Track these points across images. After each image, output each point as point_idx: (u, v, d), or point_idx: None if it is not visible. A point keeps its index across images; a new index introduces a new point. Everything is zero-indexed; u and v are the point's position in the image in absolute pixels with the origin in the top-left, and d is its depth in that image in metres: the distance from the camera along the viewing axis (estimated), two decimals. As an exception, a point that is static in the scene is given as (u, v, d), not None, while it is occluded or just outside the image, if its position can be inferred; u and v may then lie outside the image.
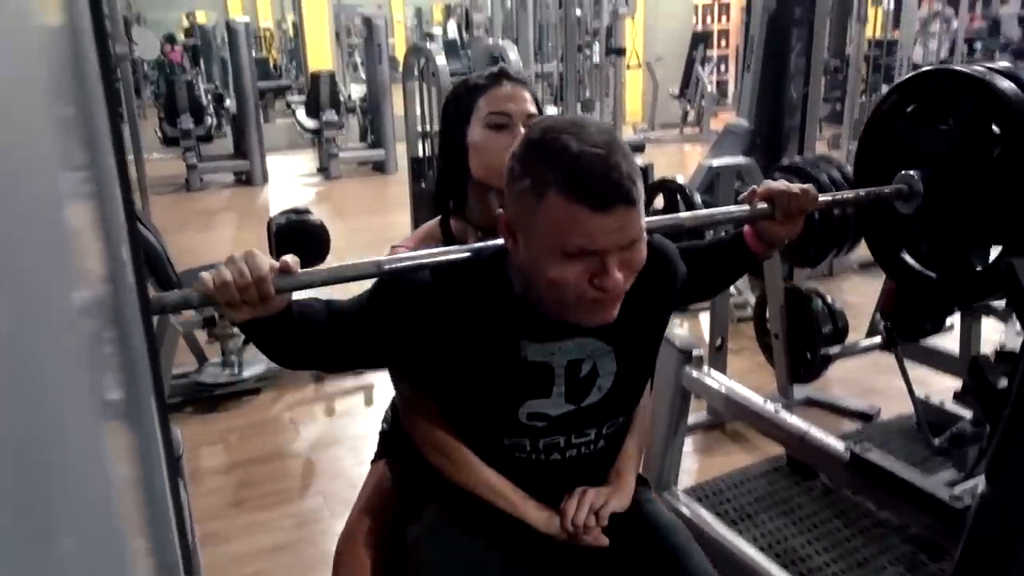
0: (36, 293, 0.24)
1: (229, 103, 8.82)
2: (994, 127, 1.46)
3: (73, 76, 0.45)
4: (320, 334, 1.10)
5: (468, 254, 1.10)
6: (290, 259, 1.00)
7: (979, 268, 1.53)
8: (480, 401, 1.14)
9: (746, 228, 1.30)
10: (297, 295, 1.07)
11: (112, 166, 0.52)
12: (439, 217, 1.37)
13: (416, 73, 4.00)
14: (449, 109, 1.36)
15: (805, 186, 1.26)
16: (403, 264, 1.07)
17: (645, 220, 1.02)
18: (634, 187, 0.97)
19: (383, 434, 1.59)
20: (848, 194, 1.54)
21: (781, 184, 1.25)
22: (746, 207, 1.26)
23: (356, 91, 9.79)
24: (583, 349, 1.13)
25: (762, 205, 1.25)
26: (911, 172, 1.54)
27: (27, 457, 0.23)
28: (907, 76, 1.69)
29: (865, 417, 3.04)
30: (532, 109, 1.31)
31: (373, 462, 1.57)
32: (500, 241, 1.08)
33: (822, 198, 1.31)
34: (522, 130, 1.25)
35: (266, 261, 0.99)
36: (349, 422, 3.23)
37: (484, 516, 1.18)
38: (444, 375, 1.15)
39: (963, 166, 1.51)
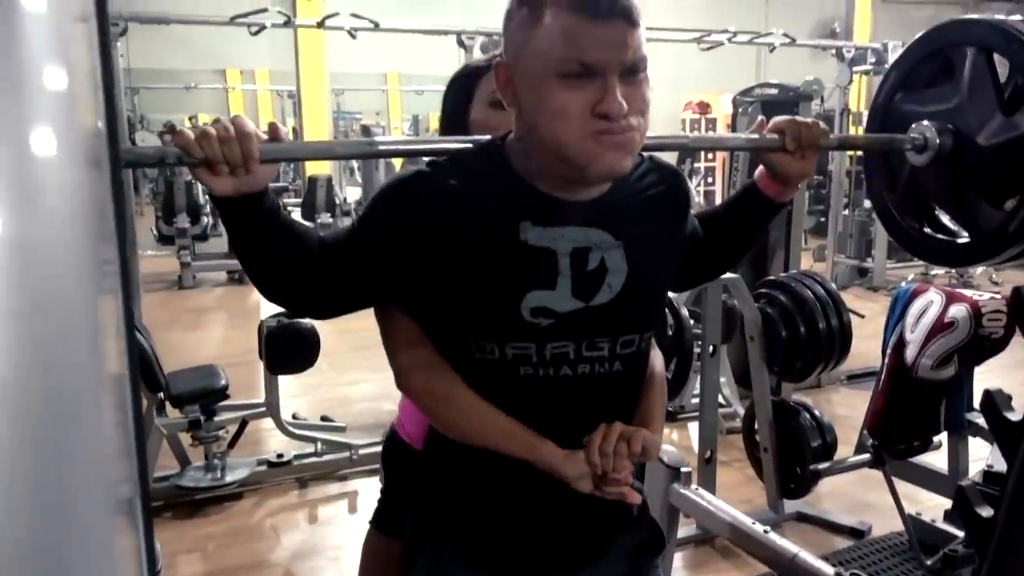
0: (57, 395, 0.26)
1: (226, 203, 8.96)
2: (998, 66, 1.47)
3: (91, 177, 0.48)
4: (309, 247, 1.05)
5: (465, 143, 1.09)
6: (279, 126, 0.98)
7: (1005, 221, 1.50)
8: (480, 298, 1.04)
9: (758, 174, 1.27)
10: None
11: (116, 270, 0.54)
12: None
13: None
14: (450, 92, 1.38)
15: (815, 119, 1.24)
16: (398, 148, 1.07)
17: (649, 137, 1.02)
18: (634, 7, 0.96)
19: (383, 492, 1.63)
20: (860, 137, 1.52)
21: (788, 116, 1.24)
22: (755, 135, 1.23)
23: (352, 194, 9.99)
24: (588, 238, 1.05)
25: (772, 136, 1.22)
26: (925, 123, 1.52)
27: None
28: (907, 46, 1.69)
29: (857, 534, 2.99)
30: None
31: (371, 523, 1.60)
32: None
33: (835, 136, 1.28)
34: None
35: (252, 126, 0.95)
36: (332, 530, 3.16)
37: (481, 540, 1.13)
38: (442, 278, 1.05)
39: (974, 111, 1.50)
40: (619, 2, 0.95)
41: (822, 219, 8.89)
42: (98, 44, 0.50)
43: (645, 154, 1.16)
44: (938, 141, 1.50)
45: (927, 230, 1.66)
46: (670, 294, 2.82)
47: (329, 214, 8.50)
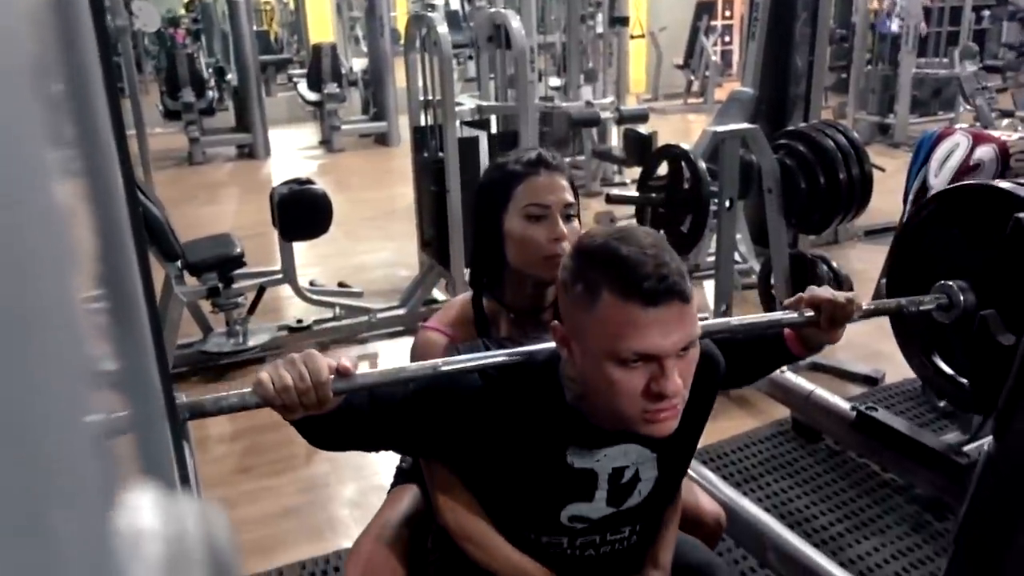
0: (30, 270, 0.24)
1: (231, 76, 8.77)
2: None
3: (67, 50, 0.45)
4: (363, 424, 1.10)
5: (522, 358, 1.10)
6: (348, 361, 1.00)
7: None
8: (521, 503, 1.16)
9: (787, 332, 1.31)
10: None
11: (110, 139, 0.52)
12: (470, 294, 1.36)
13: (418, 43, 3.97)
14: (486, 194, 1.33)
15: (850, 295, 1.26)
16: (460, 366, 1.08)
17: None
18: (685, 282, 0.96)
19: (401, 470, 1.57)
20: (890, 303, 1.53)
21: (827, 293, 1.25)
22: (794, 314, 1.26)
23: (358, 64, 9.73)
24: (628, 456, 1.14)
25: (808, 312, 1.25)
26: (950, 283, 1.53)
27: (17, 432, 0.23)
28: (949, 188, 1.69)
29: (870, 381, 3.04)
30: (570, 198, 1.29)
31: (391, 490, 1.56)
32: (553, 345, 1.08)
33: (865, 306, 1.31)
34: (559, 220, 1.27)
35: (325, 364, 0.98)
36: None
37: None
38: (485, 475, 1.16)
39: (1003, 283, 1.49)
40: (672, 284, 0.95)
41: (843, 75, 8.59)
42: None
43: None
44: (962, 299, 1.51)
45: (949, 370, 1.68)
46: (686, 145, 2.76)
47: (335, 83, 8.31)
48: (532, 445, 1.12)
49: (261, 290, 3.57)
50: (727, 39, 12.76)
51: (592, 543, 1.19)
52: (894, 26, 7.76)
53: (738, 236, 3.81)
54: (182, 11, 14.16)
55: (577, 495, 1.15)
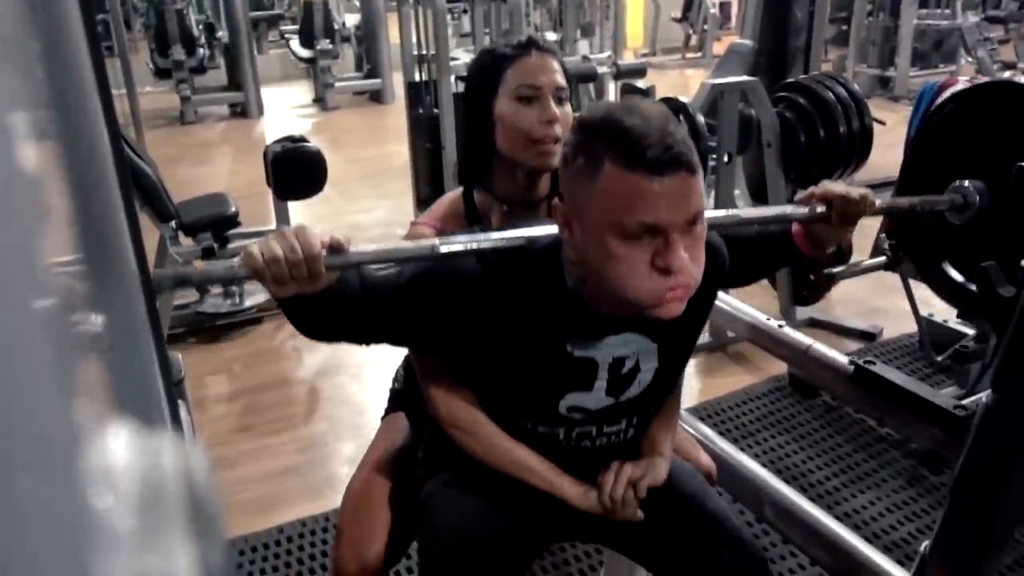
0: (6, 233, 0.23)
1: (221, 33, 8.63)
2: None
3: (47, 10, 0.43)
4: (355, 312, 1.07)
5: (522, 241, 1.06)
6: (341, 237, 0.98)
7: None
8: (519, 393, 1.14)
9: (795, 229, 1.27)
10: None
11: (95, 97, 0.50)
12: (460, 189, 1.32)
13: (411, -5, 3.90)
14: (474, 79, 1.30)
15: (864, 191, 1.23)
16: (458, 247, 1.04)
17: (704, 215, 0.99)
18: (692, 155, 0.94)
19: (395, 392, 1.57)
20: (903, 202, 1.49)
21: (840, 188, 1.22)
22: (804, 208, 1.22)
23: (351, 20, 9.57)
24: (629, 345, 1.12)
25: (820, 207, 1.21)
26: (966, 183, 1.49)
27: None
28: (967, 86, 1.64)
29: (868, 336, 3.04)
30: (561, 81, 1.26)
31: (384, 417, 1.56)
32: (554, 229, 1.05)
33: (878, 204, 1.27)
34: (551, 101, 1.23)
35: (317, 237, 0.96)
36: (352, 350, 3.21)
37: (497, 480, 1.19)
38: (482, 364, 1.13)
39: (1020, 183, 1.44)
40: (678, 153, 0.92)
41: (844, 27, 8.46)
42: None
43: None
44: (978, 199, 1.47)
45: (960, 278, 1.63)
46: (684, 98, 2.72)
47: (328, 40, 8.18)
48: (532, 333, 1.08)
49: (256, 250, 3.54)
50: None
51: (588, 435, 1.17)
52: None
53: (736, 192, 3.78)
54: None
55: (576, 384, 1.12)
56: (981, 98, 1.60)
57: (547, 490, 1.16)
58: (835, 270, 2.87)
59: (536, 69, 1.24)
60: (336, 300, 1.03)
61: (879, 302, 3.23)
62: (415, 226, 1.31)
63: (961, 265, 1.66)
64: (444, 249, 1.03)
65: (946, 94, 1.72)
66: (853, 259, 2.97)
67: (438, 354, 1.18)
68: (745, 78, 3.00)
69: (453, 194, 1.34)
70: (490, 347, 1.10)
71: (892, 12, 7.58)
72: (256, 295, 3.48)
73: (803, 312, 3.09)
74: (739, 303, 2.08)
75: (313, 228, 0.97)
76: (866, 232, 3.26)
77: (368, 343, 1.18)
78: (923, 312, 2.73)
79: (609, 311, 1.06)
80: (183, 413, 1.19)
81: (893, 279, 2.72)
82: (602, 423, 1.17)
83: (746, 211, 1.27)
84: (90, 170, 0.49)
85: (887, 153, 3.48)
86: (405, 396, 1.51)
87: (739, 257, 1.24)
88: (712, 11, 10.38)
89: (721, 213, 1.23)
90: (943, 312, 2.91)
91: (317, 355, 3.19)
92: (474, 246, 1.05)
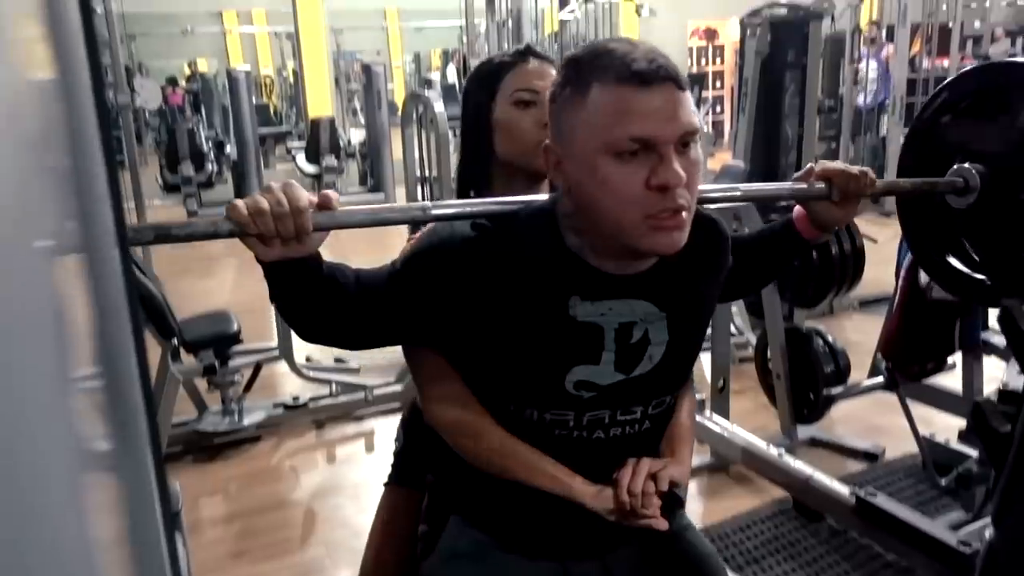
0: (22, 341, 0.25)
1: (230, 149, 8.90)
2: None
3: (69, 128, 0.46)
4: (347, 296, 1.02)
5: (517, 205, 1.05)
6: (331, 193, 0.96)
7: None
8: (524, 369, 1.06)
9: (796, 213, 1.25)
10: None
11: (109, 215, 0.53)
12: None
13: (415, 119, 4.04)
14: (472, 87, 1.32)
15: (863, 168, 1.21)
16: (451, 211, 1.01)
17: (699, 189, 0.98)
18: (679, 72, 0.94)
19: (397, 454, 1.57)
20: (904, 183, 1.46)
21: (839, 164, 1.21)
22: (803, 185, 1.20)
23: (356, 136, 9.89)
24: (635, 311, 1.05)
25: (819, 185, 1.19)
26: (967, 165, 1.47)
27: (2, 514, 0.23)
28: (961, 72, 1.63)
29: (870, 457, 3.01)
30: None
31: (387, 484, 1.55)
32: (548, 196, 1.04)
33: (878, 184, 1.24)
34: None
35: (305, 194, 0.93)
36: (350, 469, 3.20)
37: (506, 525, 1.14)
38: (484, 344, 1.06)
39: (1020, 165, 1.45)
40: (666, 67, 0.92)
41: (833, 145, 8.74)
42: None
43: None
44: (979, 182, 1.45)
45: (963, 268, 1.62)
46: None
47: (333, 156, 8.43)
48: (532, 297, 1.03)
49: (257, 367, 3.56)
50: (718, 109, 13.02)
51: (601, 421, 1.08)
52: (864, 99, 7.94)
53: (734, 309, 3.83)
54: (183, 83, 14.46)
55: (583, 355, 1.05)
56: (974, 82, 1.59)
57: (559, 492, 1.07)
58: (834, 391, 2.88)
59: (534, 74, 1.27)
60: (326, 280, 0.99)
61: (880, 420, 3.22)
62: (411, 241, 1.34)
63: (964, 255, 1.62)
64: (436, 211, 1.00)
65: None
66: (852, 378, 2.98)
67: (436, 342, 1.11)
68: (739, 203, 3.08)
69: None
70: (489, 319, 1.04)
71: (877, 130, 7.85)
72: (255, 413, 3.47)
73: (804, 431, 3.07)
74: (739, 429, 2.08)
75: (301, 188, 0.95)
76: (867, 348, 3.30)
77: (362, 341, 1.12)
78: (924, 431, 2.73)
79: (612, 267, 1.02)
80: (180, 547, 1.18)
81: (893, 398, 2.73)
82: (615, 407, 1.08)
83: (744, 186, 1.25)
84: (102, 285, 0.51)
85: (881, 269, 3.55)
86: (406, 458, 1.49)
87: (746, 256, 1.23)
88: (705, 129, 10.74)
89: (718, 187, 1.21)
90: (945, 431, 2.90)
91: (315, 475, 3.15)
92: (467, 210, 1.03)
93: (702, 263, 1.10)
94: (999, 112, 1.52)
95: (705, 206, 1.16)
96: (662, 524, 1.04)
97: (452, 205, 1.02)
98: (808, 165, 1.23)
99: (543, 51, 1.33)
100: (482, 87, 1.30)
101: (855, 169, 1.20)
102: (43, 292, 0.27)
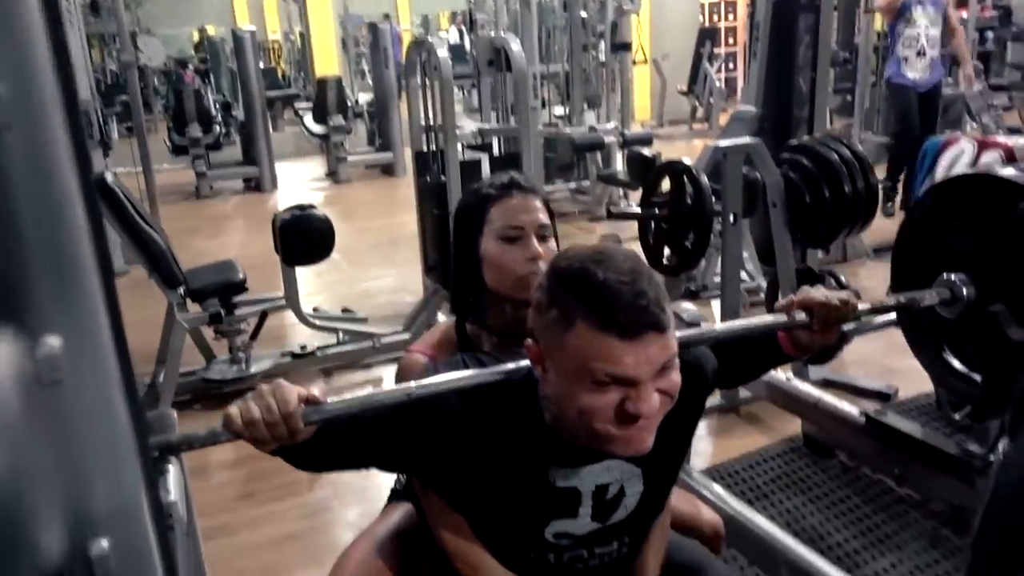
0: None
1: (237, 112, 8.85)
2: None
3: None
4: (342, 446, 1.08)
5: (499, 377, 1.07)
6: (317, 391, 0.99)
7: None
8: (505, 520, 1.14)
9: (780, 334, 1.25)
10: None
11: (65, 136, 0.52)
12: (453, 319, 1.35)
13: (419, 68, 3.98)
14: (461, 219, 1.34)
15: (844, 295, 1.20)
16: (433, 390, 1.04)
17: (677, 334, 0.99)
18: (663, 312, 0.94)
19: (395, 492, 1.54)
20: (889, 301, 1.45)
21: (820, 294, 1.19)
22: (783, 317, 1.20)
23: (363, 97, 9.82)
24: (612, 472, 1.12)
25: (800, 315, 1.19)
26: (952, 276, 1.47)
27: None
28: (944, 179, 1.63)
29: (883, 396, 2.97)
30: (544, 219, 1.29)
31: (384, 508, 1.51)
32: (529, 363, 1.06)
33: (861, 307, 1.23)
34: (535, 241, 1.26)
35: (294, 393, 0.96)
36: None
37: None
38: (468, 494, 1.14)
39: (1007, 270, 1.44)
40: (648, 315, 0.93)
41: (848, 97, 8.59)
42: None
43: None
44: (965, 293, 1.45)
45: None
46: (687, 160, 2.74)
47: (340, 115, 8.36)
48: (513, 464, 1.09)
49: (263, 315, 3.55)
50: (731, 66, 12.83)
51: (580, 557, 1.17)
52: (908, 74, 7.76)
53: (744, 255, 3.77)
54: (192, 52, 14.39)
55: (560, 512, 1.12)
56: (959, 190, 1.59)
57: None
58: (847, 327, 2.83)
59: (519, 209, 1.28)
60: (322, 441, 1.03)
61: (894, 362, 3.18)
62: (410, 353, 1.34)
63: (962, 356, 1.61)
64: (419, 392, 1.04)
65: (926, 185, 1.70)
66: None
67: (425, 478, 1.19)
68: (749, 140, 3.02)
69: (446, 323, 1.38)
70: (473, 476, 1.10)
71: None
72: (262, 361, 3.47)
73: (817, 372, 3.04)
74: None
75: (290, 386, 0.97)
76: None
77: (361, 469, 1.18)
78: (938, 370, 2.68)
79: (585, 445, 1.05)
80: (174, 469, 1.16)
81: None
82: (592, 546, 1.16)
83: (720, 325, 1.23)
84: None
85: (895, 219, 3.48)
86: (406, 496, 1.47)
87: (727, 360, 1.24)
88: (717, 84, 10.58)
89: (695, 331, 1.19)
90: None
91: (323, 421, 3.15)
92: (449, 386, 1.05)
93: (681, 411, 1.07)
94: (984, 222, 1.50)
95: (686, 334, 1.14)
96: None
97: (434, 384, 1.05)
98: (789, 297, 1.22)
99: (527, 182, 1.32)
100: (469, 218, 1.32)
101: (835, 298, 1.19)
102: None
